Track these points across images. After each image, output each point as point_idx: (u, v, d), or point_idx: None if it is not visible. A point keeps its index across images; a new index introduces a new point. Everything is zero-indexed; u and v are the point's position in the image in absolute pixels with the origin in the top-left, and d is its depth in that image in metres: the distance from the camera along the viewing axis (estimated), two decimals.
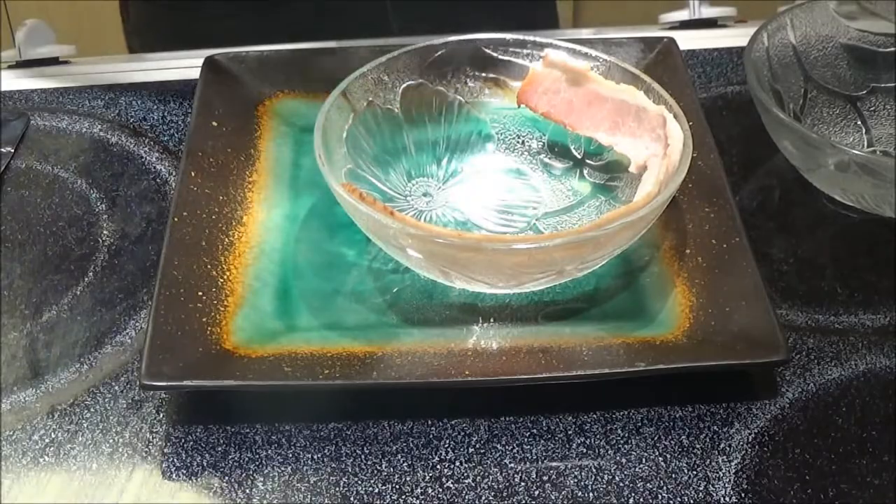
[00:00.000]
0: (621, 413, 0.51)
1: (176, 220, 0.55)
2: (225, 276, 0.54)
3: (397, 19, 0.88)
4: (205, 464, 0.49)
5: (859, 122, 0.66)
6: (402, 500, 0.47)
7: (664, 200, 0.51)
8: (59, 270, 0.58)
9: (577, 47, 0.60)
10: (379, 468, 0.49)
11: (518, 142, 0.63)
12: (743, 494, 0.47)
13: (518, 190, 0.61)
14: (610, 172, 0.60)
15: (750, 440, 0.50)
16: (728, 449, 0.49)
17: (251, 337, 0.52)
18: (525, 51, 0.61)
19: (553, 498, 0.47)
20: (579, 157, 0.61)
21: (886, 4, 0.66)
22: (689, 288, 0.54)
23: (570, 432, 0.50)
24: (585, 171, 0.61)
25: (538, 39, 0.61)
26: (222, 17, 0.88)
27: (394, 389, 0.50)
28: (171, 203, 0.56)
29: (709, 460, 0.49)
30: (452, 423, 0.50)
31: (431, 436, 0.50)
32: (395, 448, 0.49)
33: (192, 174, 0.58)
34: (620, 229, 0.50)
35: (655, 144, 0.56)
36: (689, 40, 0.72)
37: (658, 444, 0.50)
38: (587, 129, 0.59)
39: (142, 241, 0.60)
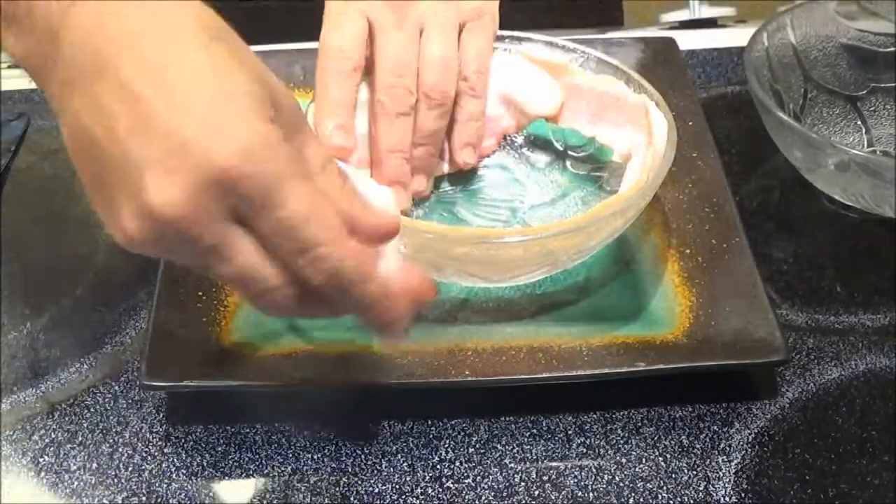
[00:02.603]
0: (621, 413, 0.51)
1: None
2: None
3: None
4: (205, 464, 0.49)
5: (859, 122, 0.66)
6: (402, 500, 0.47)
7: (654, 186, 0.51)
8: (59, 270, 0.58)
9: (555, 40, 0.60)
10: (379, 468, 0.49)
11: None
12: (743, 494, 0.47)
13: (503, 184, 0.61)
14: (593, 163, 0.60)
15: (750, 440, 0.50)
16: (728, 449, 0.49)
17: (251, 337, 0.52)
18: (503, 46, 0.60)
19: (553, 498, 0.47)
20: (561, 149, 0.61)
21: (886, 4, 0.66)
22: (689, 288, 0.54)
23: (570, 432, 0.50)
24: (568, 163, 0.61)
25: (516, 34, 0.61)
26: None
27: (394, 389, 0.50)
28: None
29: (709, 460, 0.49)
30: (452, 423, 0.50)
31: (431, 436, 0.50)
32: (395, 448, 0.49)
33: None
34: (613, 218, 0.50)
35: (638, 133, 0.56)
36: (689, 40, 0.72)
37: (658, 444, 0.50)
38: (568, 121, 0.59)
39: None
